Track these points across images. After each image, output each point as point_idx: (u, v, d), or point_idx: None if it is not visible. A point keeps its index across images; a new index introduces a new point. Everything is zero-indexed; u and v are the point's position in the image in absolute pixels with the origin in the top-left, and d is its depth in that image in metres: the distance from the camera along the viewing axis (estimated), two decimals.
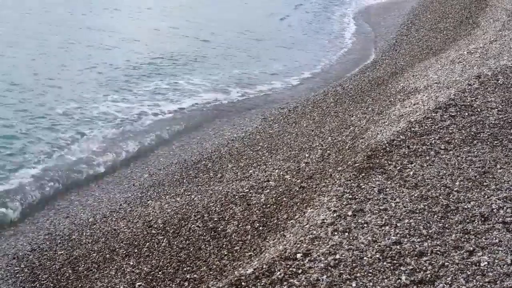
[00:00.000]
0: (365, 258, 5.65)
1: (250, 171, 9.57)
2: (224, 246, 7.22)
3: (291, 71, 17.56)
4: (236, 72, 16.98)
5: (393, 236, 6.00)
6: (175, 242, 7.65)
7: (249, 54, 18.97)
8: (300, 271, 5.51)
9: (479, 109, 9.33)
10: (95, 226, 8.68)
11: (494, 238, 6.02)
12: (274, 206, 7.75)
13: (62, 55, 17.13)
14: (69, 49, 17.71)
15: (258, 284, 5.45)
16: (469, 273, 5.48)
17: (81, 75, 15.55)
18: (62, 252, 8.06)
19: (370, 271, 5.48)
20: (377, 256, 5.67)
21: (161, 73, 16.33)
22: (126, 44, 18.80)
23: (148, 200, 9.32)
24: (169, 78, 16.04)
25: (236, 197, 8.44)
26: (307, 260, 5.66)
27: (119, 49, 18.14)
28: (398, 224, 6.21)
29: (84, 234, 8.48)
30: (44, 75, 15.11)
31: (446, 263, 5.60)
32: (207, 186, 9.43)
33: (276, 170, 9.16)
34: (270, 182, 8.66)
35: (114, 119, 12.99)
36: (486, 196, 6.84)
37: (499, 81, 10.67)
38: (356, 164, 7.72)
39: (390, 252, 5.73)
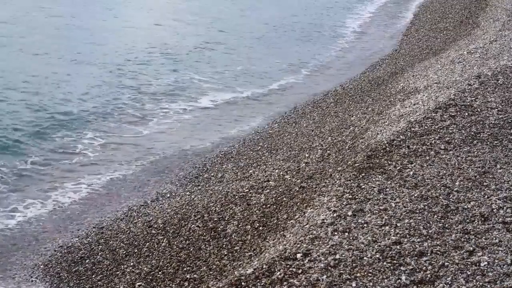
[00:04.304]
0: (365, 258, 5.65)
1: (250, 171, 9.57)
2: (224, 246, 7.22)
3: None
4: (240, 69, 17.00)
5: (393, 236, 6.00)
6: (175, 242, 7.65)
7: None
8: (300, 271, 5.51)
9: (479, 109, 9.33)
10: None
11: (494, 238, 6.01)
12: (274, 206, 7.75)
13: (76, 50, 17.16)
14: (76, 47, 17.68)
15: (258, 284, 5.45)
16: (469, 273, 5.48)
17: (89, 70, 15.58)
18: None
19: (370, 271, 5.47)
20: (377, 256, 5.67)
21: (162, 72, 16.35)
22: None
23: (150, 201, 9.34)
24: (175, 75, 16.05)
25: (236, 197, 8.43)
26: (307, 260, 5.65)
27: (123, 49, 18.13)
28: (398, 224, 6.20)
29: None
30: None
31: (446, 263, 5.60)
32: (207, 186, 9.43)
33: (276, 170, 9.15)
34: (270, 182, 8.65)
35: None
36: (486, 196, 6.84)
37: (499, 81, 10.68)
38: (356, 164, 7.71)
39: (390, 252, 5.73)
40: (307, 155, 9.48)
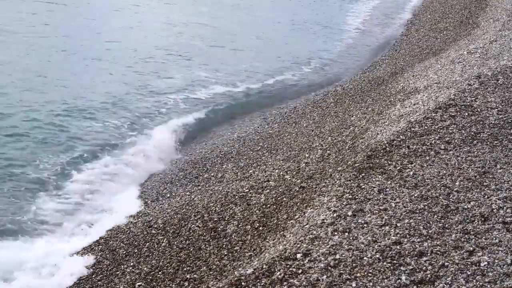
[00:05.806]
0: (365, 258, 5.65)
1: (250, 171, 9.57)
2: (224, 246, 7.23)
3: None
4: (244, 67, 17.04)
5: (393, 236, 6.00)
6: (175, 242, 7.65)
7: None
8: (300, 271, 5.52)
9: (479, 109, 9.33)
10: None
11: (494, 238, 6.02)
12: (274, 206, 7.75)
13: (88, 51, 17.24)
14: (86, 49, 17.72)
15: (258, 284, 5.46)
16: (469, 273, 5.48)
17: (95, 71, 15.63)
18: None
19: (370, 271, 5.48)
20: (377, 256, 5.67)
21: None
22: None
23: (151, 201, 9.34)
24: (182, 73, 16.11)
25: (236, 197, 8.43)
26: (307, 260, 5.66)
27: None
28: (398, 224, 6.21)
29: None
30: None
31: (446, 263, 5.60)
32: (207, 186, 9.43)
33: (276, 170, 9.16)
34: (270, 182, 8.65)
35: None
36: (486, 196, 6.84)
37: (499, 81, 10.67)
38: (356, 164, 7.71)
39: (390, 252, 5.73)
40: (307, 155, 9.48)
